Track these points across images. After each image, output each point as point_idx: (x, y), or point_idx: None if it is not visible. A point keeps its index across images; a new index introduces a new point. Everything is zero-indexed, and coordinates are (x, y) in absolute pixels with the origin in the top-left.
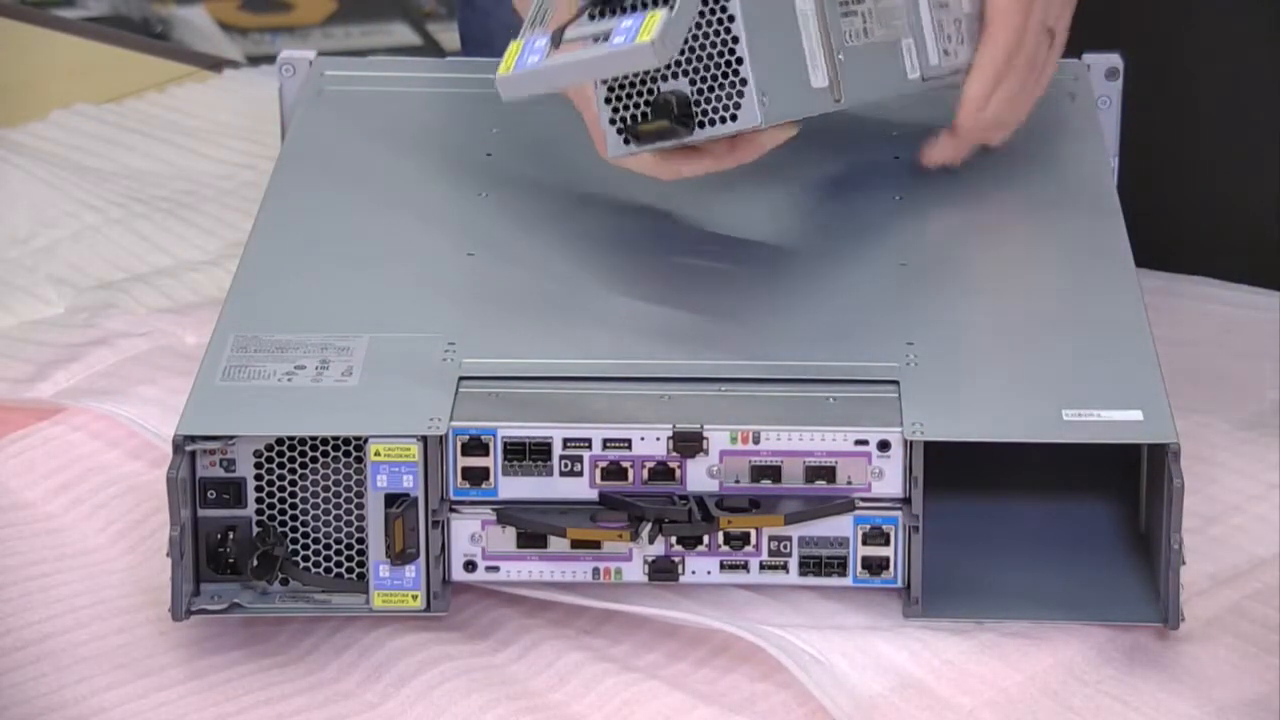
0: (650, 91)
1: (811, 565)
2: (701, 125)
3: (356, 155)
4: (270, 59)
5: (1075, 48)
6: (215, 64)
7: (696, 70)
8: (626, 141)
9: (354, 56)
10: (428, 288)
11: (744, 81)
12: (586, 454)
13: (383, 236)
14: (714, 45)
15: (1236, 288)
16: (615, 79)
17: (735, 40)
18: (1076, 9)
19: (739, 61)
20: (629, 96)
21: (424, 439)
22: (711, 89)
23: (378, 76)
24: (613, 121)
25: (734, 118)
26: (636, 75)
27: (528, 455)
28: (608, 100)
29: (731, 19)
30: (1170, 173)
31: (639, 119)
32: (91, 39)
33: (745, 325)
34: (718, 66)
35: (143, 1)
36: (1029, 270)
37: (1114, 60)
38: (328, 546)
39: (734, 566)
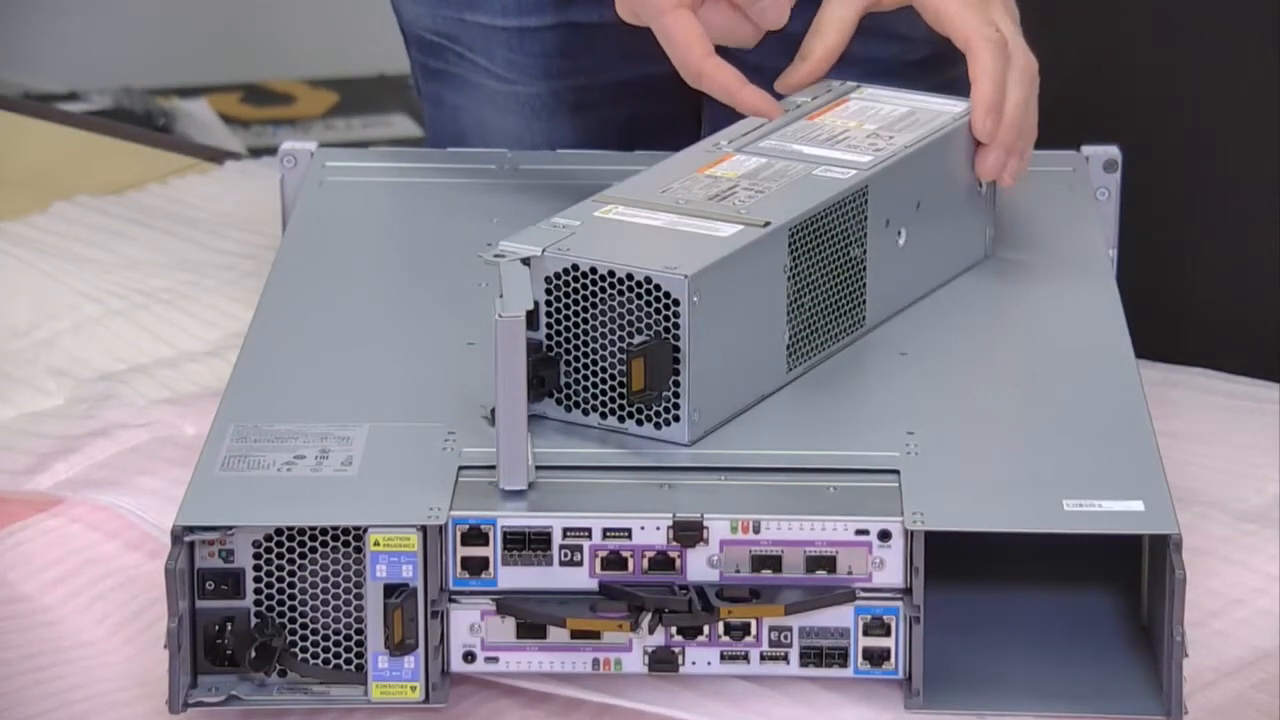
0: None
1: (812, 656)
2: None
3: (357, 246)
4: (271, 151)
5: (1074, 140)
6: (217, 156)
7: None
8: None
9: (355, 148)
10: (427, 377)
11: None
12: (586, 543)
13: (383, 326)
14: None
15: (1236, 380)
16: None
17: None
18: (1075, 103)
19: None
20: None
21: (423, 528)
22: None
23: (378, 167)
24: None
25: None
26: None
27: (527, 545)
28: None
29: None
30: (1169, 265)
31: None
32: (94, 132)
33: (745, 414)
34: None
35: (145, 95)
36: (1029, 360)
37: (1112, 152)
38: (326, 637)
39: (734, 657)
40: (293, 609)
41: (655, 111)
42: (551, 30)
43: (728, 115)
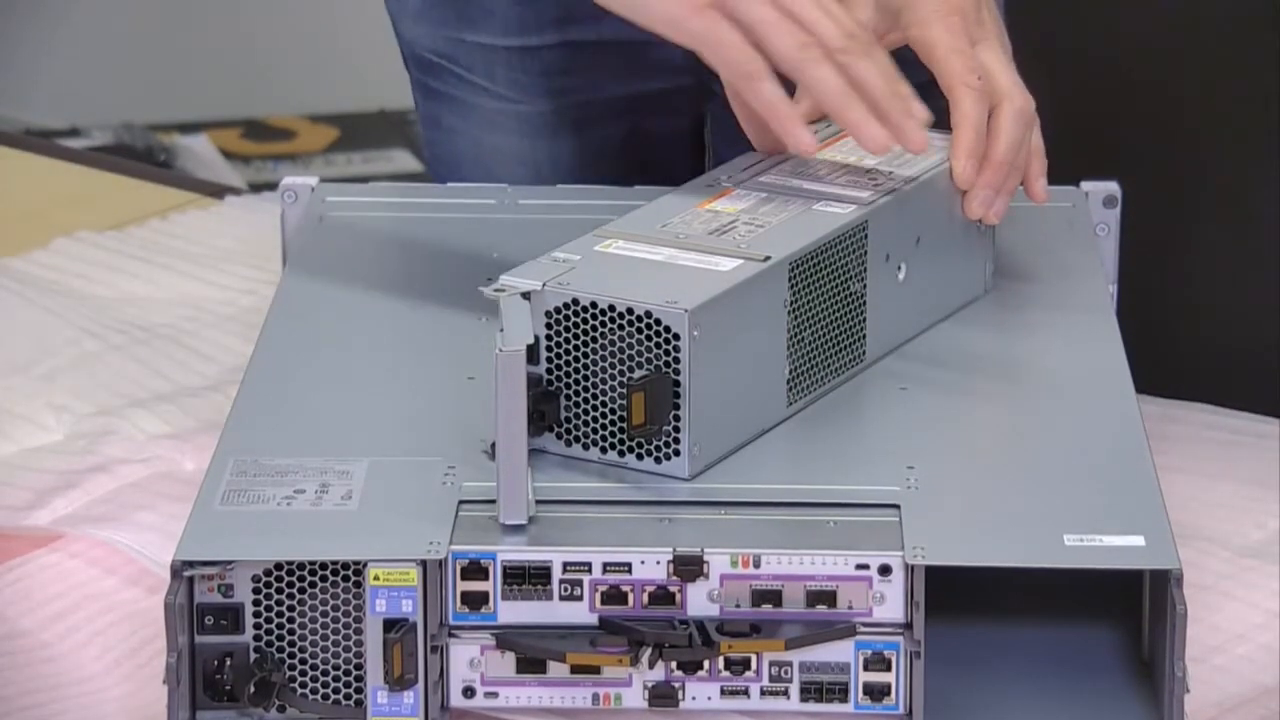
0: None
1: (813, 691)
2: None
3: (357, 280)
4: (272, 186)
5: (1073, 176)
6: (218, 191)
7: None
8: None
9: (355, 183)
10: (427, 412)
11: None
12: (586, 578)
13: (383, 361)
14: None
15: (1236, 415)
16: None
17: None
18: (1074, 139)
19: None
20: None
21: (423, 563)
22: None
23: (378, 203)
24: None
25: None
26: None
27: (527, 579)
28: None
29: None
30: (1169, 301)
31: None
32: (95, 168)
33: (745, 448)
34: None
35: (146, 131)
36: (1029, 395)
37: (1111, 188)
38: (325, 673)
39: (735, 692)
40: (292, 644)
41: (657, 127)
42: (552, 49)
43: (732, 131)
